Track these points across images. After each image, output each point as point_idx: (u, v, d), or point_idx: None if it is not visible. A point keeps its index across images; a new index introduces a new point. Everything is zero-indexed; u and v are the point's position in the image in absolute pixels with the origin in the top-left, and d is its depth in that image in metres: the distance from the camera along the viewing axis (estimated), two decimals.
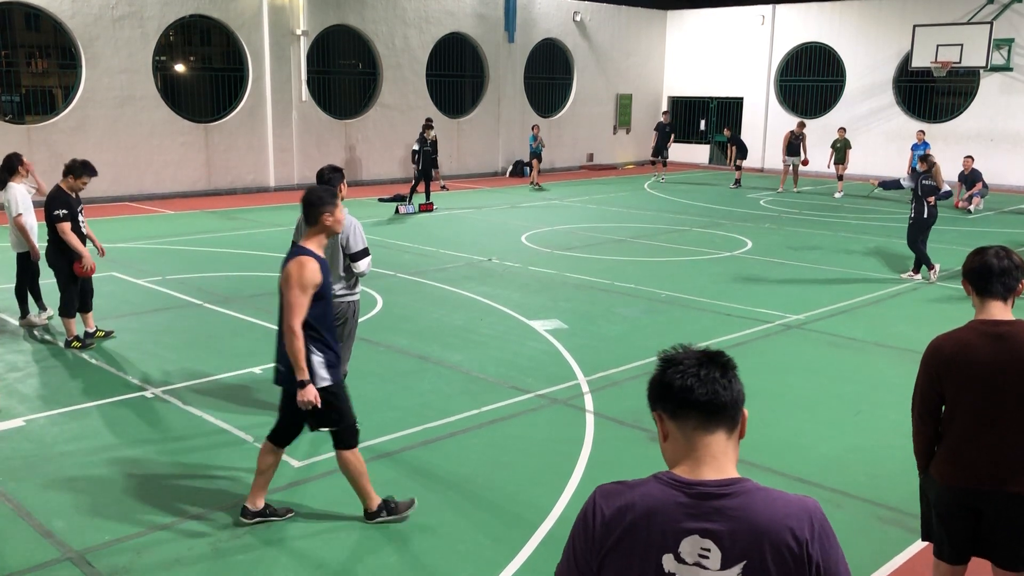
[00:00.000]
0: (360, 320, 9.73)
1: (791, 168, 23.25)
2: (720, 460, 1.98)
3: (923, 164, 12.40)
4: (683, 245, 14.89)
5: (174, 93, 21.65)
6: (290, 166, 22.37)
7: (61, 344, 8.70)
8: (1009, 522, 3.59)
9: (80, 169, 8.54)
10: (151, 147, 20.13)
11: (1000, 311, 3.60)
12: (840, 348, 8.97)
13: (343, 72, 24.50)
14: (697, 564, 1.91)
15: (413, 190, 19.72)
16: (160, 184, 20.37)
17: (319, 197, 4.96)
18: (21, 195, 9.06)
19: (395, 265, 12.64)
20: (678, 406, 2.00)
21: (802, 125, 23.56)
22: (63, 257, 8.50)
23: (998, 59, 24.41)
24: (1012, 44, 24.39)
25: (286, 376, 4.91)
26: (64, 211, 8.37)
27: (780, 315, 10.17)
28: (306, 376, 4.75)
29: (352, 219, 6.22)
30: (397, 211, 18.27)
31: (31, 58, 22.38)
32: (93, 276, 8.80)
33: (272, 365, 5.25)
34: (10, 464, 5.97)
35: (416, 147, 20.14)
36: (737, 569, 1.90)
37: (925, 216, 12.17)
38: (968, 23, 24.19)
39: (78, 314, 8.76)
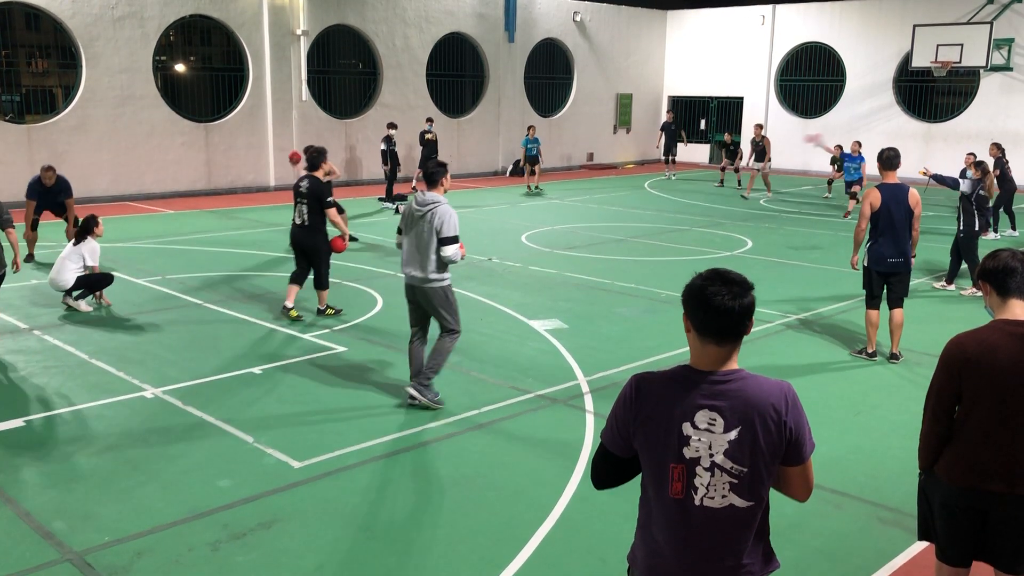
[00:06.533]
0: (359, 320, 9.80)
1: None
2: (727, 361, 2.66)
3: (977, 171, 11.52)
4: (683, 245, 14.89)
5: (174, 93, 21.66)
6: (290, 166, 22.33)
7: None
8: (1016, 525, 3.55)
9: (324, 155, 9.70)
10: (151, 147, 20.14)
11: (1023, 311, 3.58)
12: (840, 348, 8.97)
13: (343, 72, 24.50)
14: (707, 429, 2.61)
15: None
16: (160, 184, 20.37)
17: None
18: (96, 251, 10.23)
19: (395, 264, 12.62)
20: (701, 332, 2.63)
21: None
22: (327, 238, 9.68)
23: (998, 59, 24.43)
24: (1012, 44, 24.41)
25: (905, 264, 8.21)
26: (333, 198, 9.60)
27: (780, 315, 10.16)
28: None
29: (449, 208, 6.78)
30: (397, 210, 18.27)
31: (31, 58, 22.39)
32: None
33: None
34: (10, 464, 5.97)
35: (384, 147, 20.19)
36: (735, 432, 2.59)
37: (977, 228, 11.46)
38: (968, 23, 24.21)
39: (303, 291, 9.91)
